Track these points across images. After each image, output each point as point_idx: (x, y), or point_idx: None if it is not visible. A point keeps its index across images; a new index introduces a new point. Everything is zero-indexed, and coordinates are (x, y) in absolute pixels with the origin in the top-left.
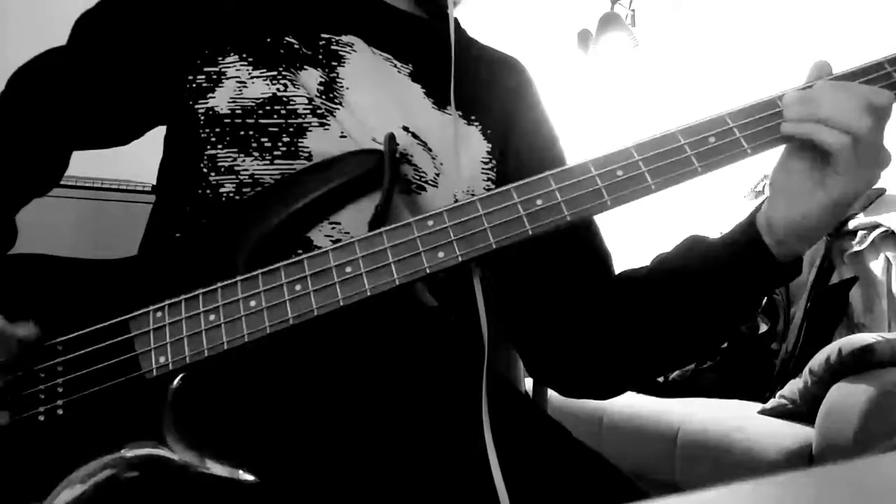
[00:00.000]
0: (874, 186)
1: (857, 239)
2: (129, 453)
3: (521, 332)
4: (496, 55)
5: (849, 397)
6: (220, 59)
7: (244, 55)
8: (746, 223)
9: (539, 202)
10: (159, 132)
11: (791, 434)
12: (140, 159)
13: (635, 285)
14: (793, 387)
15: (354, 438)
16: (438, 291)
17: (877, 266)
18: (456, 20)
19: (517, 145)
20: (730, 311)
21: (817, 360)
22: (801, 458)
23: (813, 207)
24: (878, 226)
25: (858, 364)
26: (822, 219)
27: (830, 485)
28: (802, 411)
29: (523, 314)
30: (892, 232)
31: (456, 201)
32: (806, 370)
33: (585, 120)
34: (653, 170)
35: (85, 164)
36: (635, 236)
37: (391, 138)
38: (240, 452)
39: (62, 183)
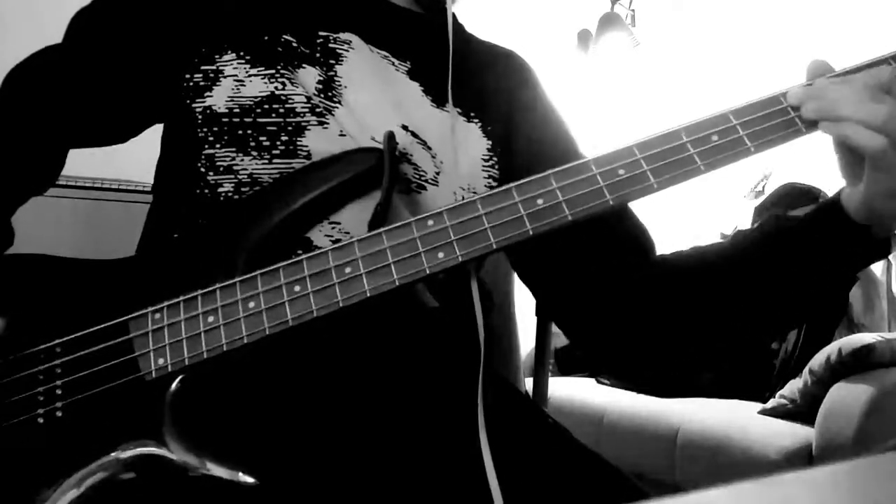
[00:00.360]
0: None
1: None
2: (126, 454)
3: (569, 319)
4: (496, 50)
5: (849, 397)
6: (217, 56)
7: (241, 53)
8: (830, 202)
9: (540, 201)
10: (157, 131)
11: (791, 434)
12: (139, 159)
13: (706, 263)
14: (793, 387)
15: (353, 439)
16: (438, 292)
17: (877, 266)
18: (454, 16)
19: (522, 142)
20: (816, 285)
21: (817, 360)
22: (801, 458)
23: (869, 197)
24: None
25: (858, 364)
26: (885, 205)
27: (830, 485)
28: (802, 411)
29: (564, 300)
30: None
31: (456, 200)
32: (806, 370)
33: (585, 120)
34: (655, 168)
35: (83, 163)
36: None
37: (391, 136)
38: (239, 454)
39: (61, 183)
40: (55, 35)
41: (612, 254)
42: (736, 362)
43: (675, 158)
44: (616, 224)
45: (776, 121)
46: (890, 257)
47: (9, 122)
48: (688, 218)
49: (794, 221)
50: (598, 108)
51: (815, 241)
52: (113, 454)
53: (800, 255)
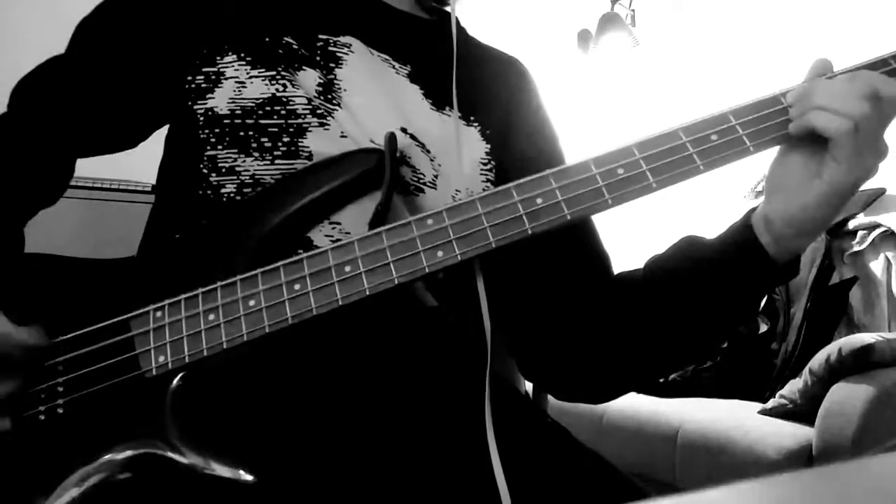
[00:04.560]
0: (874, 186)
1: (857, 239)
2: (127, 452)
3: (517, 334)
4: (496, 55)
5: (849, 397)
6: (218, 58)
7: (242, 55)
8: (741, 224)
9: (539, 201)
10: (159, 133)
11: (791, 434)
12: (140, 160)
13: (630, 288)
14: (793, 387)
15: (355, 438)
16: (438, 291)
17: (877, 266)
18: (456, 19)
19: (518, 147)
20: (727, 314)
21: (817, 360)
22: (801, 458)
23: (811, 198)
24: (878, 226)
25: (858, 364)
26: (821, 210)
27: (830, 485)
28: (802, 411)
29: (518, 315)
30: (892, 232)
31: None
32: (806, 370)
33: (585, 120)
34: (654, 168)
35: (85, 164)
36: (635, 237)
37: (391, 137)
38: (240, 452)
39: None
40: (63, 43)
41: (574, 277)
42: (736, 362)
43: (674, 158)
44: (582, 248)
45: (775, 121)
46: (890, 257)
47: (18, 134)
48: (687, 218)
49: (705, 247)
50: (598, 108)
51: (723, 269)
52: (113, 452)
53: (709, 283)
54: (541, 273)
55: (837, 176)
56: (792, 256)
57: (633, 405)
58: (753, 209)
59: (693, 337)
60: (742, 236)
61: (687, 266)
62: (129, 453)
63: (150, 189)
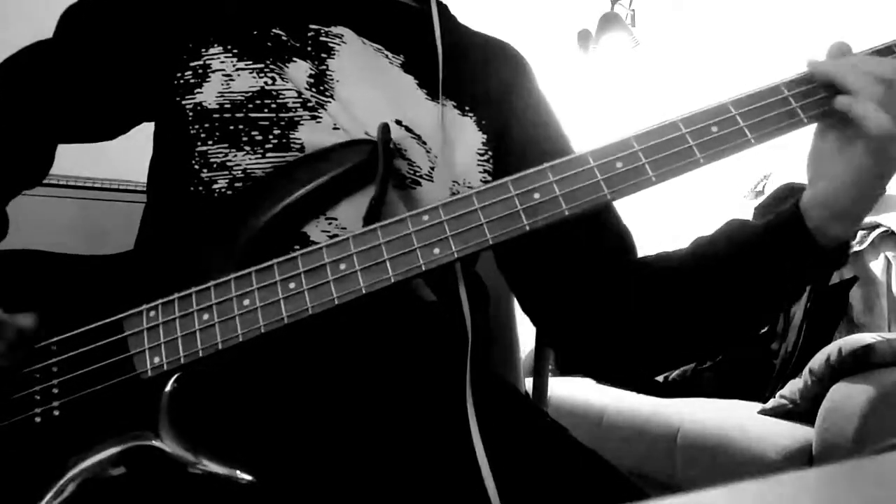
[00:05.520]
0: None
1: (857, 239)
2: (123, 449)
3: (547, 322)
4: (490, 41)
5: (849, 397)
6: (203, 51)
7: (228, 46)
8: (790, 208)
9: (536, 196)
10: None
11: (791, 434)
12: (137, 158)
13: (673, 269)
14: (793, 387)
15: (351, 437)
16: (436, 286)
17: (877, 266)
18: (446, 8)
19: (517, 135)
20: (772, 298)
21: (817, 360)
22: (801, 458)
23: (839, 184)
24: (878, 226)
25: (858, 364)
26: (852, 194)
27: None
28: (802, 411)
29: (545, 302)
30: (892, 232)
31: (452, 195)
32: (806, 370)
33: (585, 120)
34: (653, 161)
35: (83, 164)
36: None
37: (384, 128)
38: (235, 451)
39: (58, 183)
40: (50, 29)
41: (595, 255)
42: (736, 362)
43: (673, 150)
44: (600, 225)
45: (777, 111)
46: (890, 257)
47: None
48: (687, 218)
49: (756, 230)
50: (598, 108)
51: (772, 252)
52: (108, 451)
53: (756, 267)
54: (562, 255)
55: (862, 158)
56: (836, 243)
57: (633, 405)
58: (801, 194)
59: (737, 320)
60: (789, 220)
61: (733, 250)
62: (125, 453)
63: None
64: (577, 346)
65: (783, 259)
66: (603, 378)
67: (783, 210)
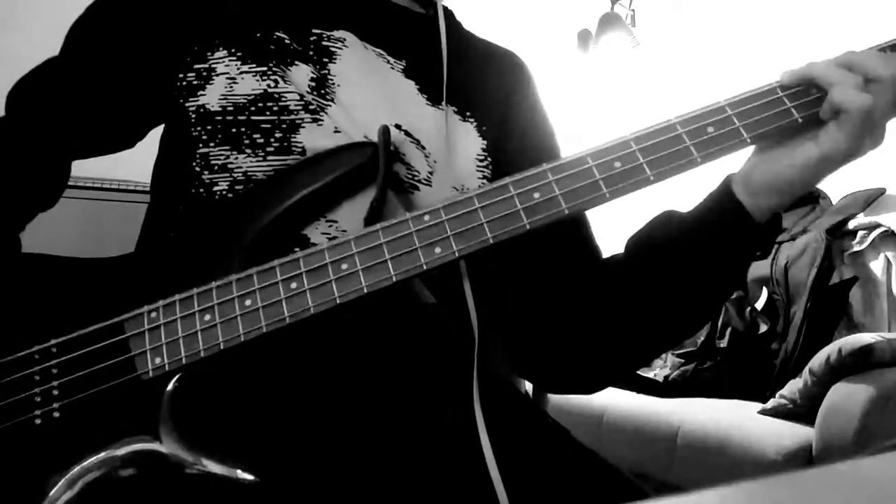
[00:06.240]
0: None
1: (857, 239)
2: (124, 450)
3: (509, 329)
4: (493, 49)
5: (849, 397)
6: (208, 54)
7: (233, 50)
8: (720, 186)
9: (536, 195)
10: (157, 132)
11: (791, 434)
12: (139, 159)
13: (615, 270)
14: (793, 387)
15: (354, 437)
16: (435, 287)
17: (877, 266)
18: (452, 14)
19: (515, 143)
20: (713, 280)
21: (817, 360)
22: (801, 458)
23: (799, 159)
24: (878, 226)
25: (858, 364)
26: (805, 172)
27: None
28: (802, 411)
29: (509, 309)
30: (892, 232)
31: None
32: (806, 370)
33: (585, 120)
34: (651, 161)
35: (85, 164)
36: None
37: (385, 130)
38: (237, 451)
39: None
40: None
41: (562, 269)
42: (736, 362)
43: (671, 150)
44: (570, 238)
45: (772, 111)
46: (890, 257)
47: (15, 138)
48: None
49: (684, 215)
50: (598, 109)
51: (705, 231)
52: (110, 452)
53: (692, 248)
54: (531, 266)
55: (834, 144)
56: (769, 215)
57: (633, 405)
58: (731, 175)
59: (682, 310)
60: (721, 196)
61: (668, 237)
62: (126, 454)
63: (149, 189)
64: (533, 355)
65: (718, 236)
66: (549, 387)
67: (713, 191)
